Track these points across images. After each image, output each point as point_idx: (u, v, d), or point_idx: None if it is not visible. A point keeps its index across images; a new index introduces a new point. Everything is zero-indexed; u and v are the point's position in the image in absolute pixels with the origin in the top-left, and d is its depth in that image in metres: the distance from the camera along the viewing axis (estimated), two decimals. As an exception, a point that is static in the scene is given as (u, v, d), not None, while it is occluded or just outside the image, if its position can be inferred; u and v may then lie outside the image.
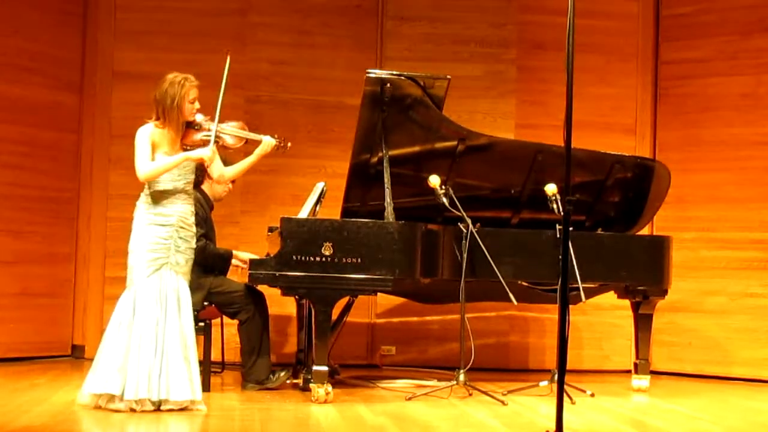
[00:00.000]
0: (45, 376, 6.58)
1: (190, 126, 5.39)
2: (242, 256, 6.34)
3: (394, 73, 6.07)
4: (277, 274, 5.68)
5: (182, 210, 5.34)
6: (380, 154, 6.12)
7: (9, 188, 7.30)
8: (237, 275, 6.43)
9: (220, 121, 5.41)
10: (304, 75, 7.79)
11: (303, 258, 5.66)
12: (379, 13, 7.89)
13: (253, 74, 7.75)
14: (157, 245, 5.25)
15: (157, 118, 5.33)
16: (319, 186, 6.39)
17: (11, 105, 7.31)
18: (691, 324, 7.68)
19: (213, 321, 6.28)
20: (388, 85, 5.98)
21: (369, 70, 6.03)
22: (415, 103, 6.15)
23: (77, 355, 7.51)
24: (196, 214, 6.09)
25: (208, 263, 6.17)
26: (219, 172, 5.57)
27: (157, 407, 5.11)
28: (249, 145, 5.62)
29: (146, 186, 5.32)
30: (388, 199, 5.93)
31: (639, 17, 8.00)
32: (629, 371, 7.04)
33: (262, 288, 6.15)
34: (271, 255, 5.79)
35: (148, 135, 5.29)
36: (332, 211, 6.46)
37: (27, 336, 7.37)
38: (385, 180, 5.99)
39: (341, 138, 7.39)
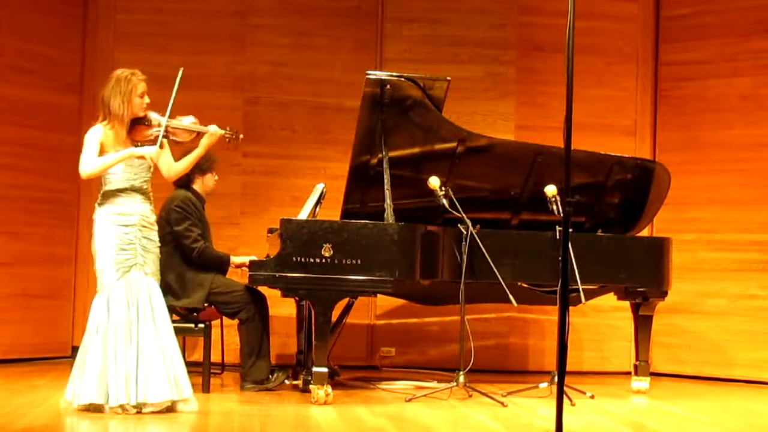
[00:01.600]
0: (44, 377, 6.57)
1: (141, 122, 5.33)
2: (239, 260, 6.32)
3: (394, 74, 6.06)
4: (277, 275, 5.68)
5: (142, 209, 5.27)
6: (380, 156, 6.12)
7: (8, 190, 7.29)
8: (237, 276, 6.43)
9: (172, 117, 5.37)
10: (304, 76, 7.78)
11: (303, 259, 5.66)
12: (379, 15, 7.88)
13: (253, 76, 7.75)
14: (125, 245, 5.19)
15: (104, 119, 5.28)
16: (319, 187, 6.38)
17: (11, 106, 7.31)
18: (691, 326, 7.67)
19: (213, 322, 6.27)
20: (388, 86, 5.97)
21: (368, 72, 6.03)
22: (414, 105, 6.15)
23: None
24: (191, 215, 6.11)
25: (207, 265, 6.17)
26: (168, 168, 5.48)
27: (139, 410, 5.07)
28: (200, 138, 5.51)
29: (103, 187, 5.25)
30: (387, 200, 5.93)
31: (639, 19, 7.99)
32: (629, 373, 7.04)
33: (262, 289, 6.14)
34: (271, 256, 5.80)
35: (98, 136, 5.21)
36: (332, 213, 6.45)
37: (26, 337, 7.37)
38: (385, 181, 5.98)
39: (341, 139, 7.38)
